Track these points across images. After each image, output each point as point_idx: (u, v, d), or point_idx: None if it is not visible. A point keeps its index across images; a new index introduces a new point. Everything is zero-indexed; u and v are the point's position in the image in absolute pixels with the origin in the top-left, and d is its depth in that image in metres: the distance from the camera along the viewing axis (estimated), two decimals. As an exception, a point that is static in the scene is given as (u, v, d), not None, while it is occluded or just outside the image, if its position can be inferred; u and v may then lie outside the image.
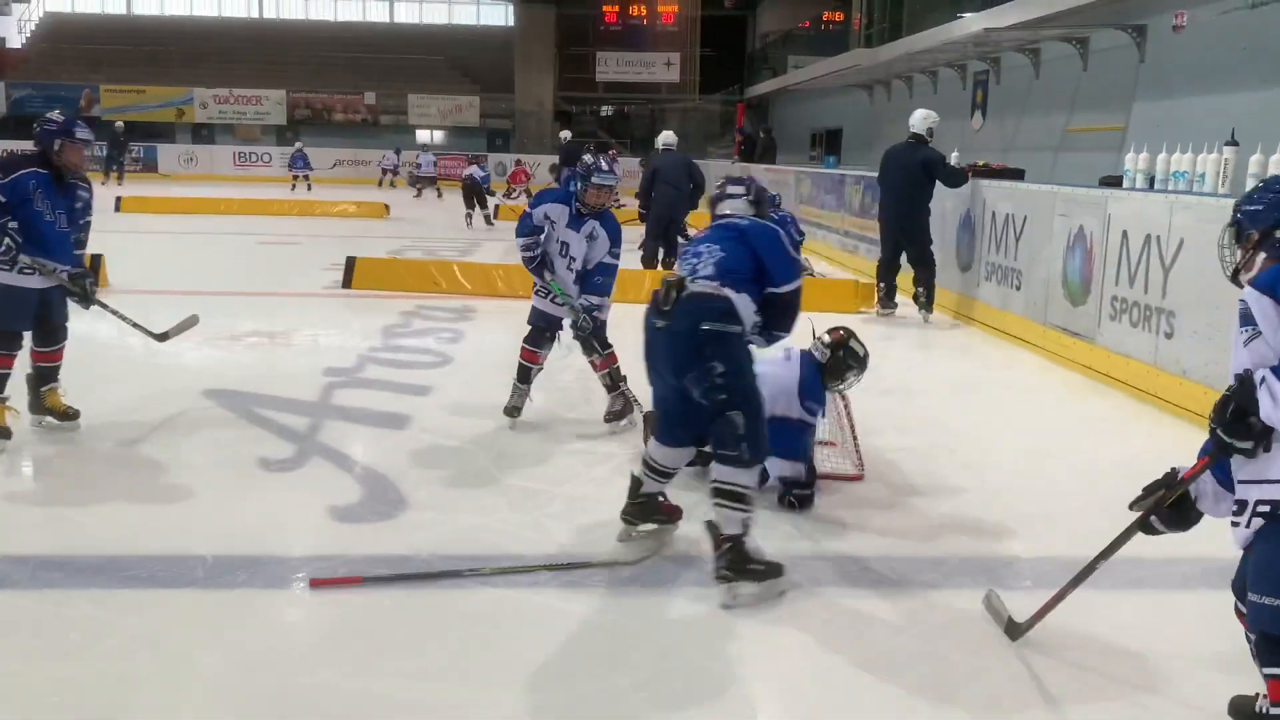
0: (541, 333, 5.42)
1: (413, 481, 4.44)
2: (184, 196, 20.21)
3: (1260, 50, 9.21)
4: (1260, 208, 2.51)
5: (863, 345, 4.52)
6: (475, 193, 17.41)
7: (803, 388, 4.25)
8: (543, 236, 5.22)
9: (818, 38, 25.24)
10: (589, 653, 3.06)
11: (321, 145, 29.03)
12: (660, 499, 3.83)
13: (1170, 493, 2.65)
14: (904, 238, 8.96)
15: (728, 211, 3.81)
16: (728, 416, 3.36)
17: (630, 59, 33.22)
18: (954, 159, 9.31)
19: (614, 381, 5.44)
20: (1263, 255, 2.48)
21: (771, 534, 3.98)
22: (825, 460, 4.66)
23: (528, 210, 5.35)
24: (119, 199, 18.31)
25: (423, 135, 33.01)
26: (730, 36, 33.63)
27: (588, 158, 5.50)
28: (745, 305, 3.45)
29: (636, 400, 5.30)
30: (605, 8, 33.48)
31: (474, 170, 17.93)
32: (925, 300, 8.89)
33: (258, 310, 8.79)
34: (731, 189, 3.89)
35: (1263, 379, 2.30)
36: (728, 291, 3.42)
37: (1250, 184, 5.83)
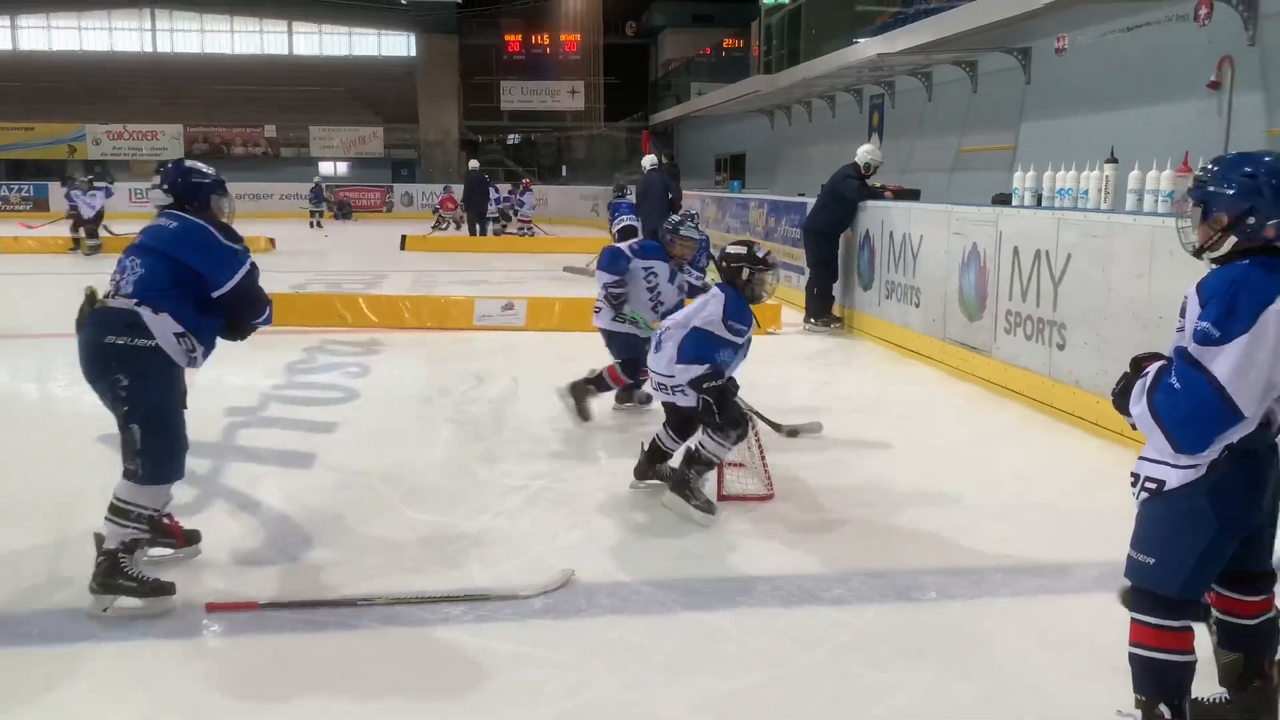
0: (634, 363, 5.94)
1: (319, 522, 4.35)
2: (43, 236, 19.59)
3: (1136, 71, 9.65)
4: (1231, 192, 2.43)
5: (746, 245, 4.86)
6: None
7: (726, 313, 4.59)
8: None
9: (719, 64, 25.66)
10: (503, 687, 3.03)
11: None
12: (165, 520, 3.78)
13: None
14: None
15: (155, 209, 3.74)
16: (128, 429, 3.43)
17: (535, 87, 33.37)
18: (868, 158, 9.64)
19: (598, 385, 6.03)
20: (1233, 239, 2.43)
21: (681, 555, 4.01)
22: (734, 481, 4.71)
23: (622, 251, 6.12)
24: None
25: (325, 167, 32.60)
26: (633, 64, 34.04)
27: (675, 217, 6.51)
28: (164, 322, 3.44)
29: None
30: (508, 37, 33.62)
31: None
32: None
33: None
34: (154, 180, 3.80)
35: (1162, 371, 2.44)
36: (143, 309, 3.41)
37: (1130, 199, 6.10)
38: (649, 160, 13.12)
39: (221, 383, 7.32)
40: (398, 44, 36.24)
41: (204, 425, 5.87)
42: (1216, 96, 8.59)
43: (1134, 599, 2.53)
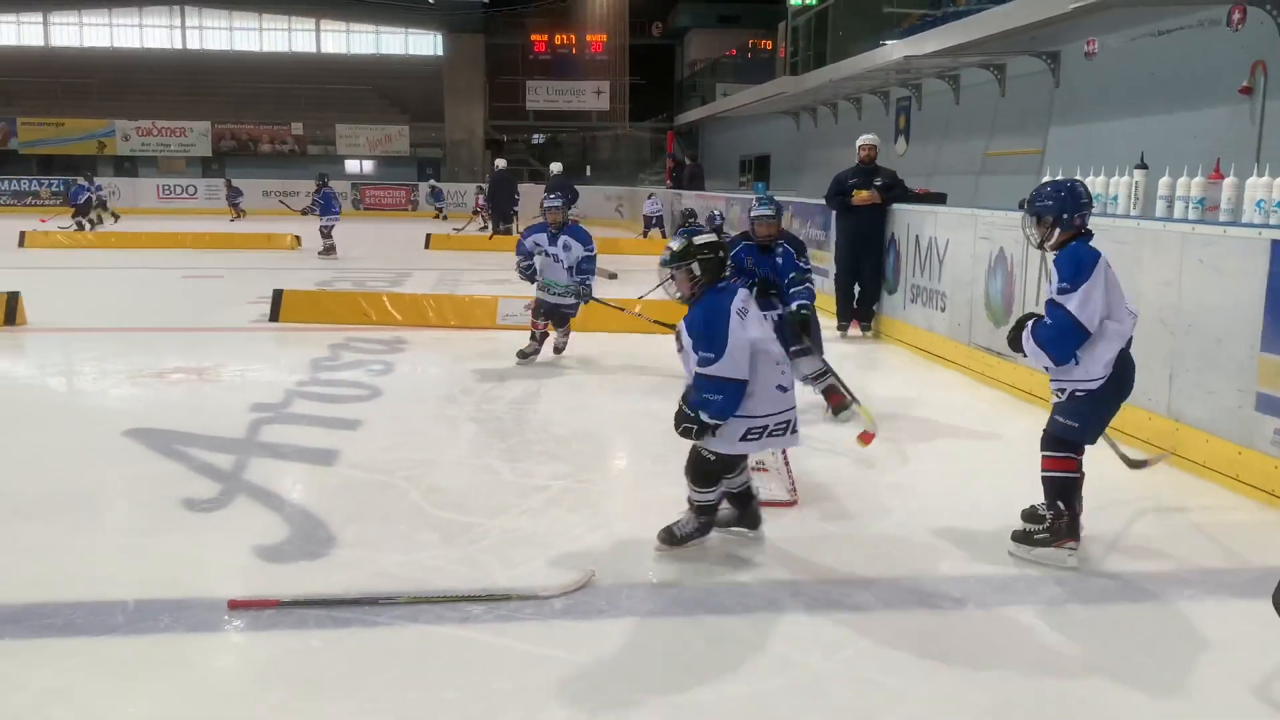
0: None
1: (341, 519, 4.37)
2: (90, 232, 19.89)
3: (1167, 76, 9.55)
4: (1051, 203, 4.04)
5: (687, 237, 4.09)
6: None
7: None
8: None
9: (745, 65, 25.60)
10: (521, 688, 3.03)
11: (248, 177, 28.72)
12: None
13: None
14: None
15: None
16: None
17: (560, 88, 33.40)
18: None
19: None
20: (1058, 231, 4.03)
21: (702, 559, 4.00)
22: (758, 487, 4.69)
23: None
24: (23, 234, 17.89)
25: (351, 165, 32.77)
26: (659, 65, 34.02)
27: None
28: None
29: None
30: (534, 37, 33.65)
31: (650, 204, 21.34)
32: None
33: (183, 346, 8.62)
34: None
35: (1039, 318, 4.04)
36: None
37: (1160, 206, 6.04)
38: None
39: (246, 379, 7.39)
40: (425, 43, 36.37)
41: (228, 420, 5.93)
42: (1249, 102, 8.49)
43: (1052, 444, 4.06)
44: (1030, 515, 4.26)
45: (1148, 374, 4.53)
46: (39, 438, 5.63)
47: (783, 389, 4.00)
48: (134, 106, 31.62)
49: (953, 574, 3.93)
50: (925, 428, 6.24)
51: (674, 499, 4.64)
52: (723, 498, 4.16)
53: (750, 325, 3.91)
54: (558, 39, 33.83)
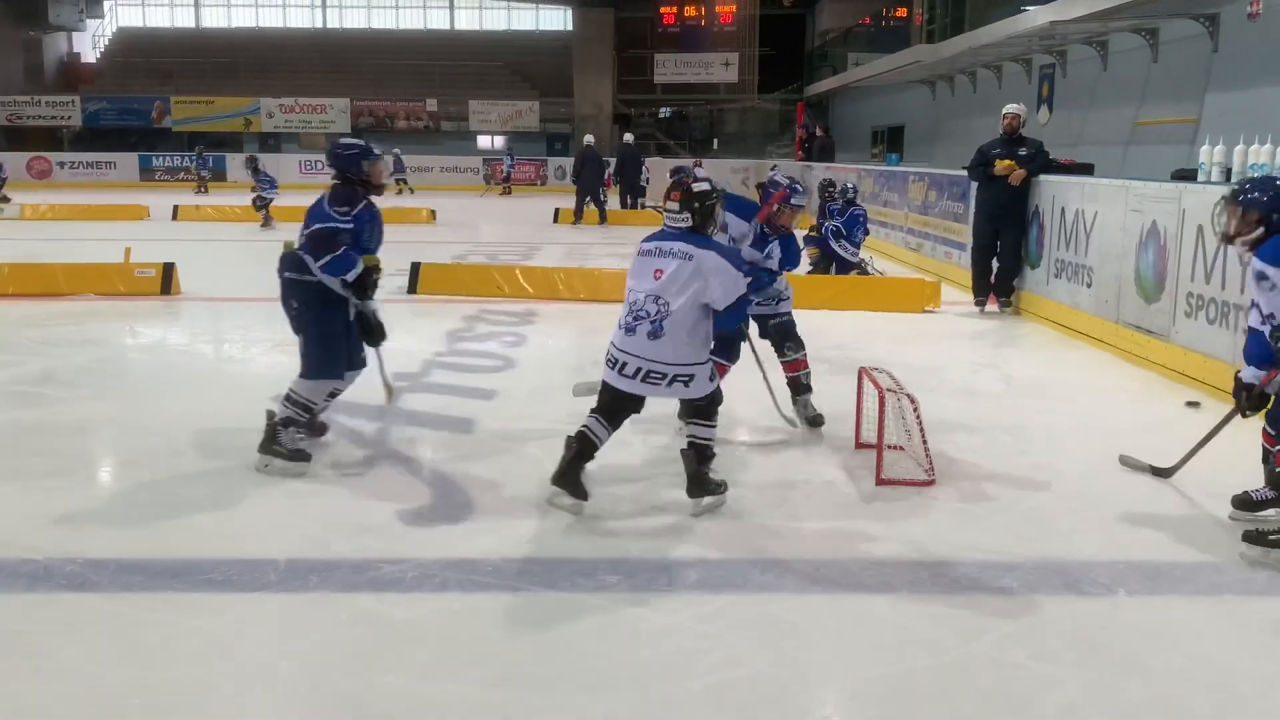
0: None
1: (479, 486, 4.46)
2: (239, 205, 20.68)
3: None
4: (1265, 199, 3.82)
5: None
6: None
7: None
8: None
9: (878, 34, 24.98)
10: (656, 657, 3.04)
11: (385, 153, 29.49)
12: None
13: (1253, 401, 3.90)
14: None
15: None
16: (299, 338, 4.74)
17: (688, 60, 33.18)
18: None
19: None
20: (1261, 230, 3.81)
21: (838, 536, 3.95)
22: (893, 465, 4.61)
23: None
24: (176, 208, 18.69)
25: (483, 140, 33.29)
26: (789, 35, 33.43)
27: (780, 178, 5.78)
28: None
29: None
30: (663, 9, 33.46)
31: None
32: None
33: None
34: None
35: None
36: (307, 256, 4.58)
37: (1333, 175, 5.66)
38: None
39: (386, 348, 7.59)
40: (555, 18, 36.60)
41: (370, 390, 6.10)
42: None
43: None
44: (1244, 502, 4.02)
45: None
46: (195, 403, 5.89)
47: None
48: (278, 84, 32.73)
49: (1100, 559, 3.78)
50: (1070, 408, 6.01)
51: (814, 474, 4.59)
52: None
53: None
54: (687, 10, 33.56)
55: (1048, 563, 3.74)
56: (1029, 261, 9.07)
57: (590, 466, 4.21)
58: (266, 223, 16.36)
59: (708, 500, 4.18)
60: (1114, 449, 4.99)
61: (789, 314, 5.44)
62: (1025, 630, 3.22)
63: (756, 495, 4.41)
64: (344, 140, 4.88)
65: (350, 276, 4.58)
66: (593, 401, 4.29)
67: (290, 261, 4.67)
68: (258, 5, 37.01)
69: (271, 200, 16.57)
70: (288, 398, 4.65)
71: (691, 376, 4.08)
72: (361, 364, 4.89)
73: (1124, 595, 3.49)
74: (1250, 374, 3.84)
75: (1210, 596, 3.50)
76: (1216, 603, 3.46)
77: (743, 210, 5.18)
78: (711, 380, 4.18)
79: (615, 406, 4.21)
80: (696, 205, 4.11)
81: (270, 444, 4.57)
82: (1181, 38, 11.61)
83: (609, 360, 4.14)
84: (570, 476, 4.11)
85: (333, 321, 4.67)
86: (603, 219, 18.73)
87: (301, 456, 4.59)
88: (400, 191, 24.62)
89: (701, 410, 4.21)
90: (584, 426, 4.18)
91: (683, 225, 4.12)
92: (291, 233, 4.96)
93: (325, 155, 4.88)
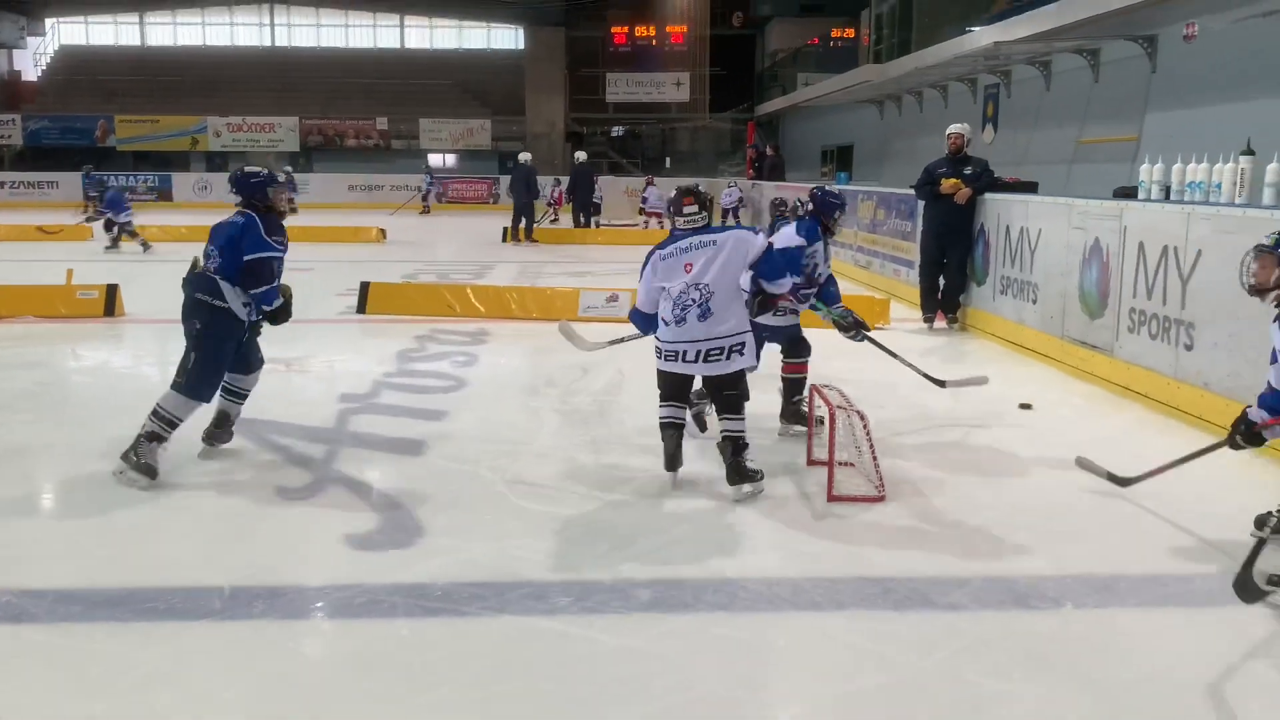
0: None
1: (429, 509, 4.41)
2: (186, 225, 20.36)
3: (1274, 58, 9.17)
4: None
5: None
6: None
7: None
8: None
9: (827, 54, 25.25)
10: (609, 681, 3.02)
11: (334, 171, 29.27)
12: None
13: (1248, 436, 3.93)
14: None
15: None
16: (188, 354, 4.81)
17: (640, 79, 33.32)
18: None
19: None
20: None
21: (790, 553, 3.95)
22: (844, 482, 4.63)
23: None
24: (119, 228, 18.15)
25: (435, 159, 33.15)
26: (739, 55, 33.70)
27: (832, 188, 6.10)
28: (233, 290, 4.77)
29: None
30: (614, 29, 33.60)
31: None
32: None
33: (273, 337, 8.75)
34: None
35: None
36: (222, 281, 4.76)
37: (1268, 193, 5.80)
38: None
39: (335, 369, 7.52)
40: (506, 37, 36.61)
41: (318, 410, 6.03)
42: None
43: None
44: (1264, 522, 3.94)
45: (1252, 369, 4.35)
46: (135, 428, 5.75)
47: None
48: (225, 103, 32.39)
49: (1049, 573, 3.81)
50: (1018, 422, 6.08)
51: (765, 492, 4.60)
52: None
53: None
54: (638, 30, 33.73)
55: (998, 577, 3.77)
56: (975, 278, 9.20)
57: (545, 484, 4.17)
58: (115, 245, 14.60)
59: (748, 487, 4.53)
60: (1061, 463, 5.05)
61: (798, 324, 5.81)
62: (976, 646, 3.23)
63: (708, 514, 4.41)
64: (247, 169, 5.06)
65: (275, 305, 4.89)
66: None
67: (202, 283, 4.79)
68: (204, 24, 36.64)
69: (126, 223, 14.85)
70: (155, 412, 4.75)
71: (744, 344, 4.59)
72: (260, 364, 5.18)
73: (1072, 608, 3.53)
74: (1256, 414, 3.92)
75: (1158, 608, 3.55)
76: (1164, 614, 3.51)
77: (813, 234, 5.76)
78: (753, 351, 4.69)
79: (676, 390, 4.75)
80: (707, 203, 4.79)
81: (130, 451, 4.68)
82: (1121, 58, 11.86)
83: (666, 355, 4.64)
84: (678, 456, 4.69)
85: (227, 347, 4.88)
86: (529, 235, 18.60)
87: (148, 472, 4.64)
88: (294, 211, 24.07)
89: (733, 404, 4.61)
90: (666, 418, 4.71)
91: (701, 222, 4.68)
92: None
93: (230, 182, 5.00)
